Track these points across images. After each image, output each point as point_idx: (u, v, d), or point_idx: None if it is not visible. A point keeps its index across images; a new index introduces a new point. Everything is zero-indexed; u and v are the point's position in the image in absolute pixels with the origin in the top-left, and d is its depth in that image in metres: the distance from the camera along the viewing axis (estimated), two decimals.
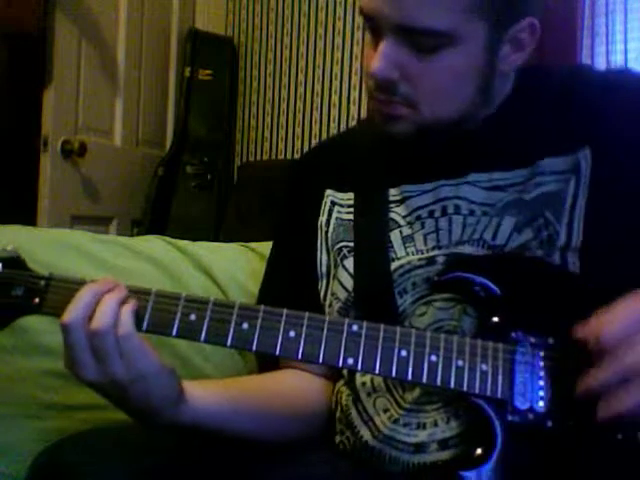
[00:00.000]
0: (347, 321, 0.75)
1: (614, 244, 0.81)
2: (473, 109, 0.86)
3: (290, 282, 1.01)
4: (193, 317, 0.75)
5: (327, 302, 0.95)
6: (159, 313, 0.76)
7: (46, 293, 0.77)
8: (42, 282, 0.78)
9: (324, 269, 0.96)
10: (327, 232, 0.96)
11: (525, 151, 0.86)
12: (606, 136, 0.84)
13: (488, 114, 0.89)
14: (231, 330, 0.75)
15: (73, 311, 0.73)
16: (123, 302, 0.75)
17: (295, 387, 0.95)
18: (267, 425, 0.90)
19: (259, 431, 0.89)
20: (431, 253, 0.86)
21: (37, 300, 0.77)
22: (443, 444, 0.79)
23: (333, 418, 0.94)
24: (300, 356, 0.74)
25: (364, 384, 0.88)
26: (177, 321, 0.75)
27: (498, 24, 0.80)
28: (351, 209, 0.95)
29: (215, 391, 0.86)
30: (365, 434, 0.86)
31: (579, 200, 0.83)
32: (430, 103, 0.83)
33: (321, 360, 0.74)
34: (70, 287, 0.77)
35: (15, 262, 0.80)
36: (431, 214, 0.88)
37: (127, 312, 0.74)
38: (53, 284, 0.78)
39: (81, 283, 0.77)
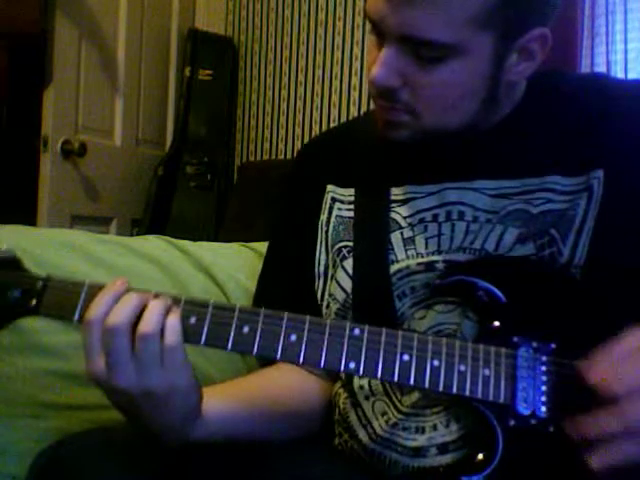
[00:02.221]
0: (348, 325, 0.74)
1: (618, 263, 0.79)
2: (477, 119, 0.84)
3: (286, 281, 1.00)
4: (193, 320, 0.73)
5: (324, 303, 0.94)
6: None
7: (43, 295, 0.75)
8: (39, 283, 0.76)
9: (322, 269, 0.95)
10: (327, 231, 0.95)
11: (534, 162, 0.85)
12: (620, 157, 0.83)
13: (497, 121, 0.87)
14: (232, 334, 0.73)
15: (120, 314, 0.71)
16: (168, 310, 0.73)
17: (294, 386, 0.95)
18: (272, 427, 0.90)
19: (265, 434, 0.89)
20: (431, 258, 0.85)
21: (34, 302, 0.75)
22: (443, 448, 0.79)
23: (331, 420, 0.93)
24: (301, 360, 0.73)
25: (362, 387, 0.87)
26: None
27: (506, 35, 0.78)
28: (351, 206, 0.94)
29: (225, 401, 0.84)
30: (364, 437, 0.85)
31: (588, 222, 0.81)
32: (431, 113, 0.81)
33: (322, 364, 0.73)
34: (67, 289, 0.75)
35: (11, 263, 0.78)
36: (435, 218, 0.87)
37: (174, 321, 0.72)
38: (50, 285, 0.76)
39: (78, 284, 0.75)
